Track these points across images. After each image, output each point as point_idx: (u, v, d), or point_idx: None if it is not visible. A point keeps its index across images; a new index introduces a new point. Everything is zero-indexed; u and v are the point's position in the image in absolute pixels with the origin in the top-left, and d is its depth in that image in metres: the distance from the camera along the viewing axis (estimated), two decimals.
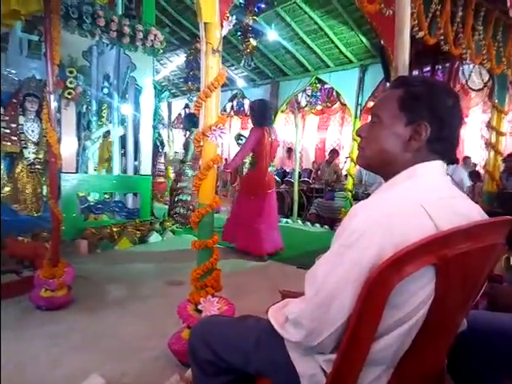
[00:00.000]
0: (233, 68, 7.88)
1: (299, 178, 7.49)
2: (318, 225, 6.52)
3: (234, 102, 9.40)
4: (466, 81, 5.08)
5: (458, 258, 0.78)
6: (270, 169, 4.21)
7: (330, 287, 0.83)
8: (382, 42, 2.89)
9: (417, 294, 0.80)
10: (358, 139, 1.04)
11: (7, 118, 4.01)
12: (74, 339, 2.10)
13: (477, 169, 6.99)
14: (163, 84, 9.04)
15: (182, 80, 8.66)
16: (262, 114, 4.04)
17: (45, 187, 4.25)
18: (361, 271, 0.79)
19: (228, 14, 1.85)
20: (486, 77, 4.82)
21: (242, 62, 5.88)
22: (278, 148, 4.48)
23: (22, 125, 4.09)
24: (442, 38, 3.05)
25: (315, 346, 0.87)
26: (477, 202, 0.96)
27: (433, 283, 0.80)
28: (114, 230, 4.41)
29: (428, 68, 5.09)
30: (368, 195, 0.92)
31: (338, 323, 0.83)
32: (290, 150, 10.07)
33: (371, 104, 6.89)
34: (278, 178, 8.51)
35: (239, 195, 4.42)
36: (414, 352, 0.85)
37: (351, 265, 0.81)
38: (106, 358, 1.90)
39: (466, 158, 7.24)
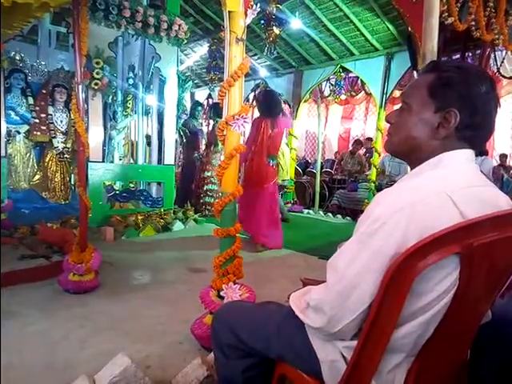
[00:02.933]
0: (256, 57, 7.83)
1: (321, 168, 7.43)
2: (339, 216, 6.48)
3: (257, 92, 9.35)
4: (498, 68, 4.88)
5: (484, 247, 0.77)
6: (271, 162, 3.99)
7: (352, 275, 0.83)
8: (410, 28, 2.81)
9: (440, 283, 0.79)
10: (385, 127, 1.02)
11: (37, 108, 4.15)
12: (100, 321, 2.17)
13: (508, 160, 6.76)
14: (186, 74, 9.09)
15: (204, 70, 8.68)
16: (266, 105, 3.97)
17: (73, 176, 4.39)
18: (383, 259, 0.79)
19: (252, 3, 1.83)
20: None
21: (265, 50, 5.83)
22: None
23: (51, 115, 4.22)
24: (473, 23, 2.94)
25: (335, 332, 0.88)
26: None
27: (457, 272, 0.79)
28: (139, 218, 4.52)
29: (457, 55, 4.92)
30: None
31: (358, 311, 0.83)
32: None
33: (397, 93, 6.73)
34: (299, 169, 8.48)
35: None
36: (435, 341, 0.84)
37: (374, 253, 0.81)
38: (131, 340, 1.96)
39: (503, 157, 6.92)
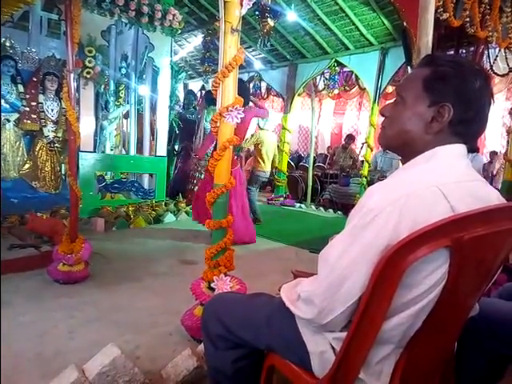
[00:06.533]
0: (250, 50, 7.77)
1: (314, 162, 7.43)
2: (331, 210, 6.51)
3: (251, 85, 9.28)
4: (491, 66, 4.90)
5: (474, 241, 0.77)
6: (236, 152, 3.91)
7: (343, 267, 0.83)
8: (405, 23, 2.80)
9: (430, 276, 0.80)
10: (378, 122, 1.02)
11: (28, 96, 4.08)
12: (89, 312, 2.16)
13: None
14: (180, 65, 9.00)
15: (198, 61, 8.60)
16: None
17: (63, 165, 4.34)
18: (375, 252, 0.79)
19: None
20: None
21: (259, 42, 5.78)
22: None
23: (42, 103, 4.15)
24: (468, 19, 2.94)
25: (326, 323, 0.88)
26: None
27: (446, 265, 0.79)
28: (130, 209, 4.50)
29: (451, 52, 4.94)
30: None
31: (349, 302, 0.84)
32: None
33: (390, 88, 6.73)
34: (292, 163, 8.47)
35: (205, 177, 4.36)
36: (424, 333, 0.85)
37: (365, 245, 0.81)
38: (121, 331, 1.96)
39: (494, 154, 6.99)
